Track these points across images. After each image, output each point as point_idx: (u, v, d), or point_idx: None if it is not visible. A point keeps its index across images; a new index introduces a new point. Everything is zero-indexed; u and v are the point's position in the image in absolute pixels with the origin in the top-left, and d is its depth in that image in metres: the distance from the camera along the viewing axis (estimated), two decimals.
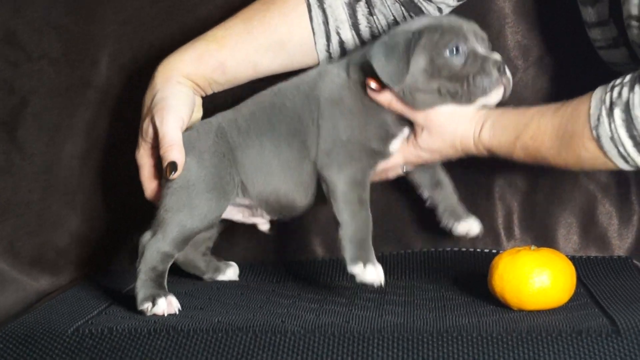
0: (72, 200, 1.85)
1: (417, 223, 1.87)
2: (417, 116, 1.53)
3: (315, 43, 1.66)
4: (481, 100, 1.52)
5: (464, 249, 1.86)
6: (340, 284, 1.69)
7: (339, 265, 1.62)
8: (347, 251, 1.51)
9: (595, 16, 1.59)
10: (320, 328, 1.38)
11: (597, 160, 1.44)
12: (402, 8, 1.66)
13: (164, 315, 1.47)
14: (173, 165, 1.54)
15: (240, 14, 1.67)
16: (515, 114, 1.51)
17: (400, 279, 1.74)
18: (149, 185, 1.62)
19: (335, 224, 1.53)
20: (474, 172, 1.84)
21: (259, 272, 1.79)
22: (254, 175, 1.58)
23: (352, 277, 1.51)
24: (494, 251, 1.82)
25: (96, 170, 1.87)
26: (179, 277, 1.69)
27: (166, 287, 1.52)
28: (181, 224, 1.53)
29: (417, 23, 1.54)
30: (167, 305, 1.48)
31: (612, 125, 1.39)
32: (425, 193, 1.68)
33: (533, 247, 1.51)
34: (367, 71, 1.54)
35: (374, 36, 1.67)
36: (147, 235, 1.55)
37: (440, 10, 1.67)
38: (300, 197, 1.59)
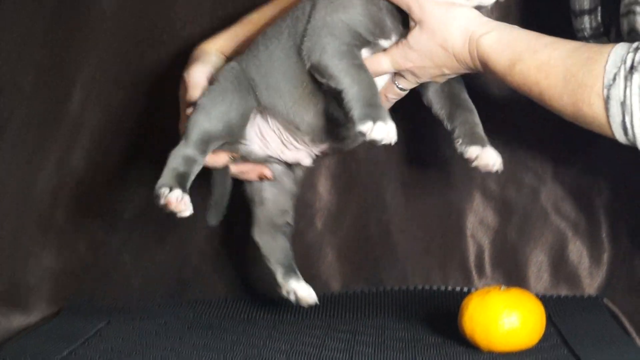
0: (44, 235, 1.85)
1: (388, 260, 1.87)
2: (414, 7, 1.42)
3: None
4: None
5: (435, 287, 1.85)
6: (312, 323, 1.69)
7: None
8: (355, 109, 1.38)
9: (587, 2, 1.53)
10: None
11: (595, 121, 1.32)
12: None
13: (173, 210, 1.43)
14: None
15: (274, 2, 1.66)
16: (527, 35, 1.39)
17: (370, 318, 1.73)
18: None
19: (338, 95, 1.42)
20: (446, 209, 1.85)
21: (230, 309, 1.79)
22: (261, 85, 1.53)
23: (361, 134, 1.38)
24: (465, 289, 1.82)
25: (69, 205, 1.86)
26: (148, 317, 1.69)
27: (187, 188, 1.47)
28: (201, 126, 1.50)
29: None
30: (180, 200, 1.44)
31: (628, 90, 1.27)
32: (446, 123, 1.53)
33: (503, 287, 1.50)
34: None
35: None
36: None
37: None
38: (300, 114, 1.52)
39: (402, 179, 1.85)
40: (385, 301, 1.82)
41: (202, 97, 1.53)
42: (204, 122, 1.51)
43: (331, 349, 1.51)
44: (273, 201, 1.62)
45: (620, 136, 1.30)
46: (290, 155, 1.58)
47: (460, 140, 1.49)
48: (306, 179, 1.69)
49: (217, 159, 1.55)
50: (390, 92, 1.51)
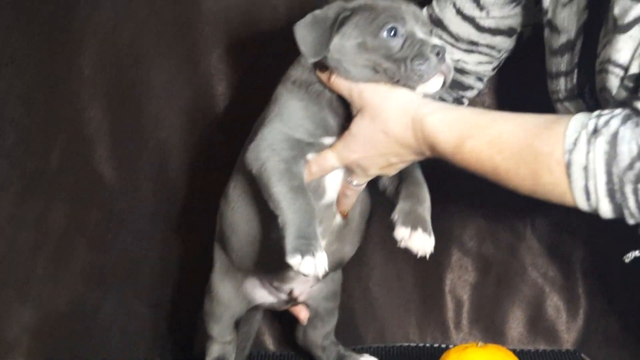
0: (23, 292, 1.85)
1: (366, 317, 1.87)
2: (353, 94, 1.40)
3: None
4: (420, 88, 1.38)
5: (413, 344, 1.85)
6: None
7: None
8: (287, 239, 1.37)
9: (565, 65, 1.48)
10: None
11: (556, 189, 1.26)
12: None
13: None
14: None
15: None
16: (472, 112, 1.36)
17: None
18: None
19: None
20: (425, 265, 1.85)
21: None
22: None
23: (290, 266, 1.37)
24: (442, 346, 1.82)
25: (48, 261, 1.86)
26: None
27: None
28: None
29: (356, 2, 1.42)
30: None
31: (591, 155, 1.23)
32: (392, 197, 1.50)
33: (480, 344, 1.51)
34: None
35: None
36: None
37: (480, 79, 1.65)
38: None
39: (381, 234, 1.86)
40: None
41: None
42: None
43: None
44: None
45: (582, 202, 1.25)
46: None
47: (396, 217, 1.44)
48: None
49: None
50: (346, 189, 1.49)
